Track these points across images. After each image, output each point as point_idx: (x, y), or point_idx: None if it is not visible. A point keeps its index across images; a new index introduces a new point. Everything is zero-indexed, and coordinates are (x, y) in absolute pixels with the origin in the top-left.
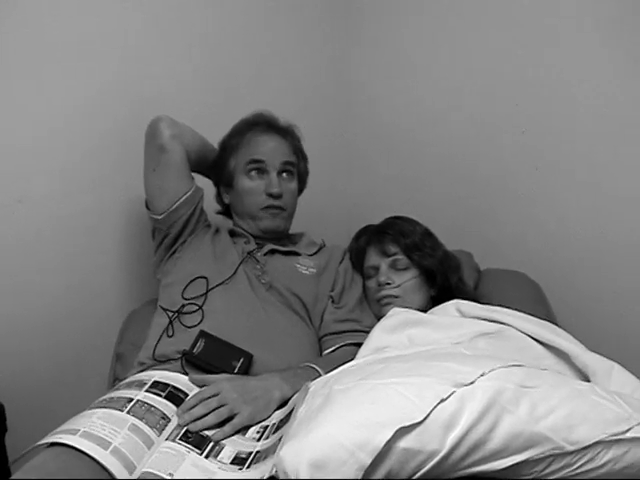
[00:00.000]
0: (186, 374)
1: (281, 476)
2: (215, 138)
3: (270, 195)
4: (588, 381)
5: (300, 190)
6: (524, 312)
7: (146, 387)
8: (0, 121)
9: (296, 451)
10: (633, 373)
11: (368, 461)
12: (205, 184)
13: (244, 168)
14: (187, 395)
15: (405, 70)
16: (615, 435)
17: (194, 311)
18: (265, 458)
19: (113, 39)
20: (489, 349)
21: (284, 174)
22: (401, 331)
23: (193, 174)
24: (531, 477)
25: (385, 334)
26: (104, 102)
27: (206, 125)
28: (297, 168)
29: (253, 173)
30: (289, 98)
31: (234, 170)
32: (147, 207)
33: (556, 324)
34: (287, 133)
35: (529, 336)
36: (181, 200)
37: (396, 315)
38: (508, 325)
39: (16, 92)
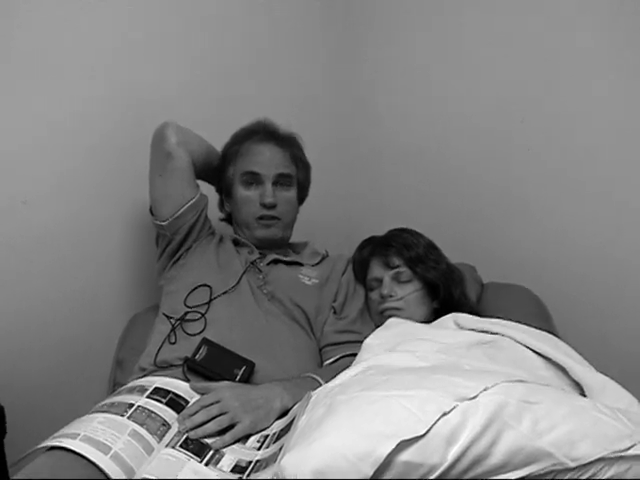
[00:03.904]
0: (187, 381)
1: None
2: (220, 144)
3: (264, 205)
4: (584, 394)
5: (302, 199)
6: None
7: (147, 393)
8: (5, 123)
9: (297, 460)
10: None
11: (370, 473)
12: (209, 192)
13: (240, 178)
14: (188, 402)
15: (409, 80)
16: (617, 452)
17: (197, 319)
18: (265, 467)
19: (116, 42)
20: (483, 359)
21: (279, 184)
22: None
23: (198, 181)
24: None
25: (379, 339)
26: (109, 105)
27: (209, 131)
28: (296, 177)
29: (248, 183)
30: (292, 106)
31: (232, 179)
32: (151, 213)
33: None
34: (286, 142)
35: (526, 347)
36: (186, 206)
37: (392, 327)
38: (504, 335)
39: (21, 95)
